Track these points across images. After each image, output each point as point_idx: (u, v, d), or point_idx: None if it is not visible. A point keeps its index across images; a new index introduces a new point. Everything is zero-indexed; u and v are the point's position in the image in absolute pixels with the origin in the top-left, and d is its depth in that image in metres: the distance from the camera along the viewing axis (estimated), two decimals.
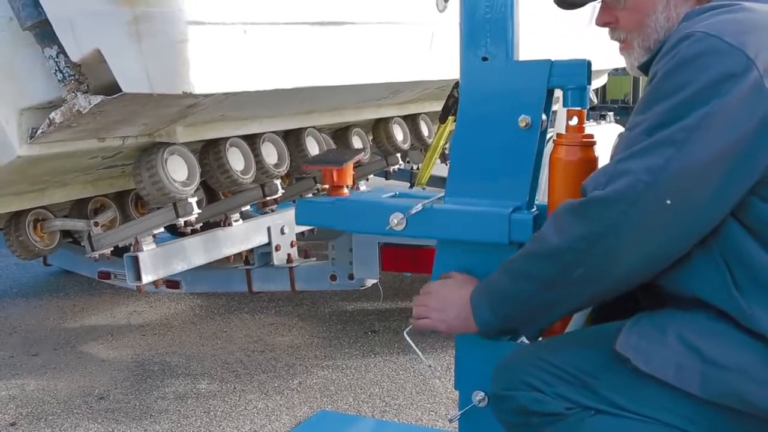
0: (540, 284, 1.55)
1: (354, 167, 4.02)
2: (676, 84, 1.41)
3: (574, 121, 1.79)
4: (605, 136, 5.23)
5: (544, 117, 1.83)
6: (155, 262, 3.06)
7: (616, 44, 1.74)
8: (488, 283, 1.68)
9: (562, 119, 1.97)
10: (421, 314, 1.80)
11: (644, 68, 1.64)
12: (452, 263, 1.89)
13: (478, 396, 1.89)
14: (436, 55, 2.84)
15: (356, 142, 3.77)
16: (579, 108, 1.81)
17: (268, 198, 3.43)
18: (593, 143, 1.79)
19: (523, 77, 1.82)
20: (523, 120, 1.81)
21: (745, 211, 1.44)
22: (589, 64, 1.79)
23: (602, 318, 1.78)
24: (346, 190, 2.18)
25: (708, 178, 1.39)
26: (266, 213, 3.64)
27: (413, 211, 1.86)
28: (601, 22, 1.72)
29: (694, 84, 1.39)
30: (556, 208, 1.55)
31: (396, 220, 1.88)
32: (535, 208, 1.85)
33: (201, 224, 3.31)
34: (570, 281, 1.51)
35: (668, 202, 1.39)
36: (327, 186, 2.14)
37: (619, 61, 1.78)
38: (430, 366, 2.26)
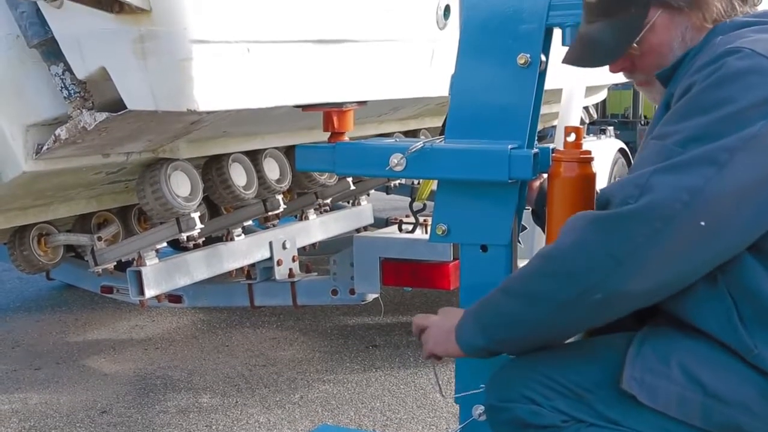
0: (552, 306, 1.46)
1: (354, 182, 4.09)
2: (718, 98, 1.36)
3: (572, 137, 1.81)
4: (605, 151, 5.27)
5: (543, 57, 1.84)
6: (158, 277, 3.08)
7: None
8: (479, 305, 1.61)
9: (560, 135, 1.99)
10: (423, 342, 1.78)
11: (662, 76, 1.60)
12: (453, 204, 1.89)
13: (478, 410, 1.90)
14: (436, 71, 2.87)
15: None
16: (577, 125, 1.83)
17: (269, 213, 3.46)
18: (591, 159, 1.81)
19: (521, 14, 1.83)
20: (522, 57, 1.82)
21: (759, 249, 1.40)
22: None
23: (600, 331, 1.78)
24: (346, 137, 2.18)
25: (745, 203, 1.34)
26: (268, 228, 3.66)
27: (413, 149, 1.86)
28: (616, 69, 1.69)
29: (739, 102, 1.34)
30: (571, 221, 1.47)
31: (396, 161, 1.88)
32: (535, 148, 1.85)
33: (203, 239, 3.33)
34: (587, 304, 1.42)
35: (702, 223, 1.33)
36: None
37: (619, 76, 1.79)
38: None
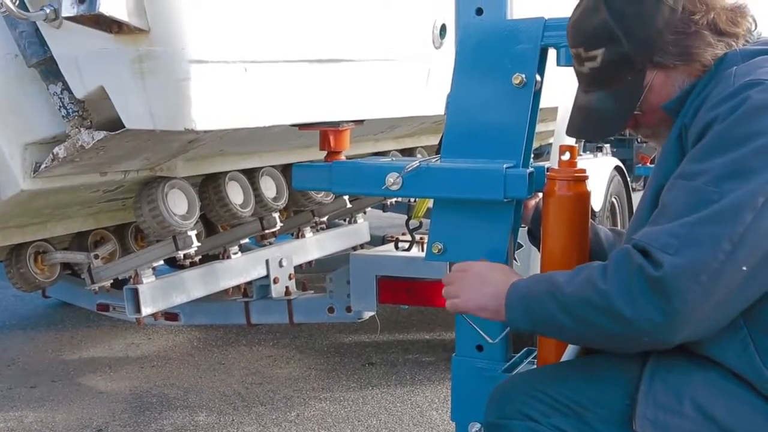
0: (599, 334, 1.46)
1: (351, 200, 4.10)
2: (746, 133, 1.34)
3: (567, 156, 1.82)
4: (601, 169, 5.28)
5: (538, 77, 1.85)
6: (155, 295, 3.08)
7: None
8: (532, 295, 1.55)
9: (555, 154, 2.01)
10: (452, 293, 1.69)
11: (670, 108, 1.57)
12: (449, 223, 1.91)
13: (474, 428, 1.91)
14: (432, 90, 2.89)
15: None
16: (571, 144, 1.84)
17: (266, 231, 3.47)
18: (585, 178, 1.82)
19: (517, 35, 1.85)
20: (518, 77, 1.84)
21: None
22: None
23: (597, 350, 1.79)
24: (343, 156, 2.19)
25: None
26: (265, 246, 3.67)
27: (409, 169, 1.87)
28: (634, 127, 1.69)
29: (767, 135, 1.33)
30: (616, 263, 1.42)
31: (392, 180, 1.89)
32: (530, 167, 1.86)
33: (200, 257, 3.33)
34: (633, 342, 1.44)
35: (744, 268, 1.32)
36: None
37: None
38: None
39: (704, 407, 1.44)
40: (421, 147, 4.27)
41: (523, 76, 1.84)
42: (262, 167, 3.23)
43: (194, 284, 3.27)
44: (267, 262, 3.59)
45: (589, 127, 1.68)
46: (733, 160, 1.34)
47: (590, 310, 1.43)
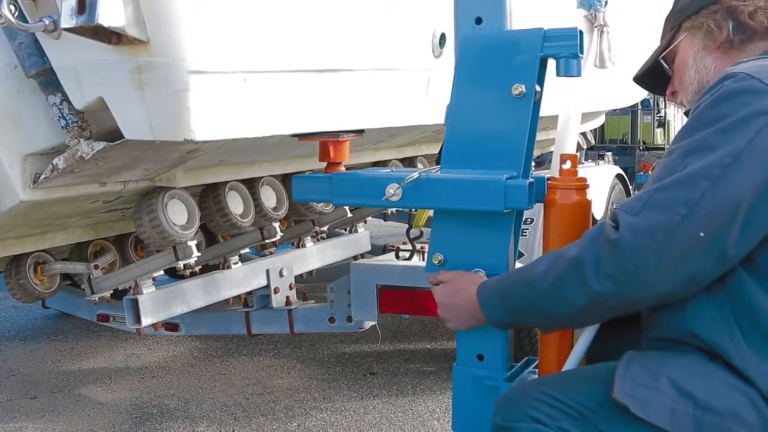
0: (570, 307, 1.57)
1: (351, 209, 4.09)
2: (714, 115, 1.49)
3: (567, 164, 1.82)
4: (603, 177, 5.28)
5: (538, 88, 1.86)
6: (155, 305, 3.08)
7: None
8: (503, 286, 1.71)
9: (556, 163, 2.01)
10: (444, 317, 1.86)
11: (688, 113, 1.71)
12: (449, 234, 1.91)
13: None
14: (432, 99, 2.88)
15: None
16: (573, 152, 1.84)
17: (266, 241, 3.46)
18: (586, 186, 1.82)
19: (516, 45, 1.85)
20: (517, 88, 1.84)
21: (753, 264, 1.50)
22: (580, 32, 1.82)
23: (598, 359, 1.80)
24: (343, 168, 2.19)
25: (739, 213, 1.43)
26: (265, 255, 3.66)
27: (409, 180, 1.88)
28: (669, 92, 1.89)
29: (730, 117, 1.46)
30: (589, 233, 1.55)
31: (392, 191, 1.90)
32: (531, 177, 1.87)
33: (200, 267, 3.33)
34: (602, 309, 1.57)
35: (702, 234, 1.43)
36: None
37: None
38: None
39: (681, 385, 1.49)
40: (422, 156, 4.26)
41: (523, 86, 1.84)
42: (262, 177, 3.22)
43: (194, 294, 3.26)
44: (267, 271, 3.58)
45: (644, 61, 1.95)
46: (698, 139, 1.49)
47: (560, 282, 1.57)
